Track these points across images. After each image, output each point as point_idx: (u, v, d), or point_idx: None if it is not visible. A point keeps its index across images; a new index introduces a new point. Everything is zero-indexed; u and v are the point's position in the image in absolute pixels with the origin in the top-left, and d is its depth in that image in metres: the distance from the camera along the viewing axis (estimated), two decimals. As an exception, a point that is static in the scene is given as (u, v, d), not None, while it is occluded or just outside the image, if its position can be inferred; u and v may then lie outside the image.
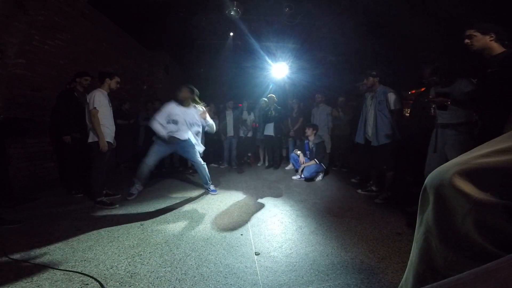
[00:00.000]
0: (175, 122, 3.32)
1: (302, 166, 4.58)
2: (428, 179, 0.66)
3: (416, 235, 0.68)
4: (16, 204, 2.97)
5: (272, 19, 5.27)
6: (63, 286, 1.55)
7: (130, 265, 1.79)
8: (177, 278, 1.65)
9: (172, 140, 3.30)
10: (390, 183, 3.30)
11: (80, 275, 1.65)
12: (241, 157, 6.57)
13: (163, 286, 1.56)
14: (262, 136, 5.85)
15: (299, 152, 4.76)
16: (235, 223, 2.59)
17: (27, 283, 1.56)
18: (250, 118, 6.28)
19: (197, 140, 3.53)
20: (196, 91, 3.54)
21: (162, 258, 1.89)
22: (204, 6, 4.93)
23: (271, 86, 8.50)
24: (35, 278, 1.61)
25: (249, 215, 2.80)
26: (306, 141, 4.77)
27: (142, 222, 2.58)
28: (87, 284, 1.57)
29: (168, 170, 5.44)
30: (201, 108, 3.55)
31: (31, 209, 2.89)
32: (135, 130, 5.37)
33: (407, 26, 4.71)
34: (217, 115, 6.02)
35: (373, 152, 3.35)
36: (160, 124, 3.31)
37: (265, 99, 5.78)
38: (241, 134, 6.03)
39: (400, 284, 0.76)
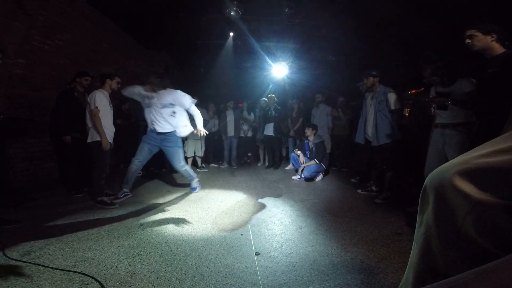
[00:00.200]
0: (149, 106, 3.28)
1: (302, 166, 4.58)
2: (428, 179, 0.66)
3: (416, 235, 0.68)
4: (16, 204, 2.97)
5: (272, 19, 5.26)
6: (63, 286, 1.55)
7: (130, 265, 1.79)
8: (177, 278, 1.65)
9: (153, 134, 3.25)
10: (390, 183, 3.30)
11: (80, 275, 1.65)
12: (241, 157, 6.57)
13: (163, 286, 1.56)
14: (262, 136, 5.85)
15: (299, 152, 4.76)
16: (235, 223, 2.59)
17: (27, 283, 1.56)
18: (250, 118, 6.29)
19: (172, 121, 3.30)
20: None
21: (162, 258, 1.89)
22: (204, 6, 4.92)
23: (271, 86, 8.51)
24: (35, 278, 1.61)
25: (249, 215, 2.80)
26: (306, 141, 4.77)
27: (142, 222, 2.58)
28: (87, 284, 1.57)
29: (168, 170, 5.44)
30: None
31: (31, 209, 2.89)
32: (135, 130, 5.36)
33: (407, 26, 4.71)
34: (217, 114, 6.03)
35: (373, 152, 3.35)
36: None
37: (265, 99, 5.78)
38: (241, 134, 6.04)
39: (400, 284, 0.76)
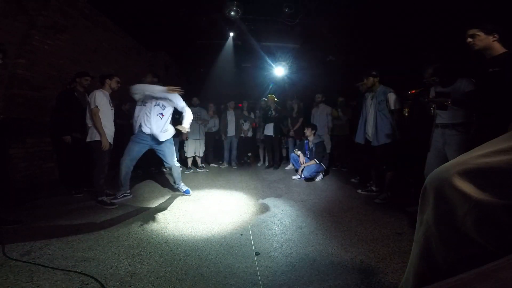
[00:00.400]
0: (144, 104, 3.28)
1: (302, 166, 4.58)
2: (428, 179, 0.66)
3: (416, 235, 0.68)
4: (16, 204, 2.97)
5: (272, 19, 5.26)
6: (63, 286, 1.55)
7: (130, 265, 1.79)
8: (177, 278, 1.65)
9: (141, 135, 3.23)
10: (390, 183, 3.30)
11: (80, 275, 1.65)
12: (241, 157, 6.57)
13: (163, 286, 1.56)
14: (262, 136, 5.85)
15: (299, 152, 4.76)
16: (235, 223, 2.59)
17: (27, 283, 1.55)
18: (250, 118, 6.29)
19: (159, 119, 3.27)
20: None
21: (162, 258, 1.89)
22: (204, 6, 4.92)
23: (271, 86, 8.51)
24: (35, 278, 1.61)
25: (249, 215, 2.80)
26: (305, 141, 4.77)
27: (142, 222, 2.58)
28: (87, 284, 1.57)
29: (168, 169, 5.44)
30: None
31: (31, 209, 2.88)
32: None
33: (407, 26, 4.71)
34: (217, 114, 6.03)
35: (373, 152, 3.35)
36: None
37: (265, 99, 5.78)
38: (241, 134, 6.04)
39: (400, 284, 0.76)
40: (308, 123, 5.14)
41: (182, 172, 5.25)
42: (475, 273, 0.39)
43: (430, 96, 2.64)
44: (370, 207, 3.04)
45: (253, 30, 5.78)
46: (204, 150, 5.61)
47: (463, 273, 0.41)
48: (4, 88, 3.58)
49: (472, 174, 0.55)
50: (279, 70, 7.67)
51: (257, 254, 1.96)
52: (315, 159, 4.46)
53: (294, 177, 4.64)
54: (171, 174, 3.61)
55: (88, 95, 3.26)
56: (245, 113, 6.23)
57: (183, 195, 3.58)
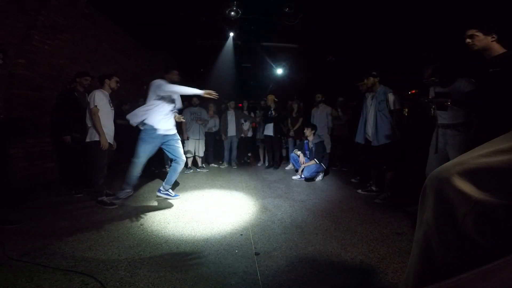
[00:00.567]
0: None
1: (302, 166, 4.58)
2: (428, 179, 0.66)
3: (416, 235, 0.68)
4: (16, 204, 2.97)
5: (272, 19, 5.26)
6: (63, 286, 1.55)
7: (130, 265, 1.79)
8: (177, 278, 1.65)
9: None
10: (390, 183, 3.30)
11: (80, 275, 1.65)
12: (241, 157, 6.57)
13: (163, 286, 1.56)
14: (262, 136, 5.85)
15: (299, 152, 4.76)
16: (235, 223, 2.59)
17: (27, 283, 1.55)
18: (250, 118, 6.30)
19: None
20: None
21: (162, 258, 1.89)
22: (204, 6, 4.92)
23: (271, 86, 8.52)
24: (35, 278, 1.61)
25: (249, 215, 2.80)
26: (305, 141, 4.77)
27: (142, 222, 2.58)
28: (87, 284, 1.57)
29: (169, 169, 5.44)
30: None
31: (31, 209, 2.88)
32: (135, 130, 5.35)
33: (407, 26, 4.71)
34: (217, 114, 6.03)
35: (373, 152, 3.35)
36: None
37: (265, 99, 5.79)
38: (242, 134, 6.04)
39: (401, 284, 0.76)
40: (308, 123, 5.14)
41: (182, 172, 5.26)
42: (475, 273, 0.39)
43: (430, 97, 2.64)
44: (370, 207, 3.04)
45: (253, 30, 5.78)
46: (204, 150, 5.61)
47: (463, 273, 0.41)
48: (4, 88, 3.58)
49: (472, 174, 0.55)
50: (279, 70, 7.68)
51: (257, 254, 1.96)
52: (315, 159, 4.46)
53: (294, 177, 4.64)
54: (168, 172, 3.41)
55: (88, 95, 3.26)
56: (245, 113, 6.23)
57: (183, 195, 3.57)
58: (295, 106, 5.71)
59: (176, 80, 3.25)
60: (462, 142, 2.38)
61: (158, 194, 3.35)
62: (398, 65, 5.41)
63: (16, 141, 3.64)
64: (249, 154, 6.79)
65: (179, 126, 4.00)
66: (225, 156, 6.00)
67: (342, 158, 5.63)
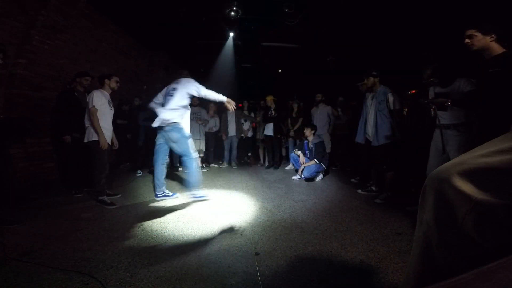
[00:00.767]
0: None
1: (302, 166, 4.58)
2: (428, 179, 0.66)
3: (416, 235, 0.68)
4: (16, 204, 2.97)
5: (272, 19, 5.26)
6: (63, 286, 1.55)
7: (130, 265, 1.79)
8: (177, 278, 1.65)
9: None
10: (390, 183, 3.30)
11: (80, 275, 1.65)
12: (241, 157, 6.57)
13: (163, 286, 1.56)
14: (262, 136, 5.85)
15: (299, 152, 4.76)
16: (235, 223, 2.59)
17: (27, 283, 1.55)
18: (250, 118, 6.30)
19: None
20: None
21: (162, 258, 1.89)
22: (204, 6, 4.92)
23: (271, 86, 8.52)
24: (35, 278, 1.61)
25: (249, 215, 2.80)
26: (305, 141, 4.77)
27: (142, 222, 2.58)
28: (87, 284, 1.57)
29: (168, 169, 5.43)
30: None
31: (31, 209, 2.88)
32: (135, 130, 5.36)
33: (407, 26, 4.71)
34: (218, 114, 6.03)
35: (373, 152, 3.35)
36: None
37: (267, 98, 5.79)
38: (242, 134, 6.04)
39: (401, 284, 0.76)
40: (308, 123, 5.14)
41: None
42: (475, 273, 0.39)
43: (430, 97, 2.64)
44: (370, 207, 3.04)
45: (253, 30, 5.78)
46: (204, 150, 5.61)
47: (463, 273, 0.41)
48: (4, 88, 3.58)
49: (472, 174, 0.55)
50: (278, 70, 7.68)
51: (257, 254, 1.96)
52: (315, 159, 4.46)
53: (294, 177, 4.64)
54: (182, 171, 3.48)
55: (88, 95, 3.26)
56: (246, 113, 6.23)
57: (183, 195, 3.57)
58: (295, 106, 5.71)
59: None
60: (462, 142, 2.38)
61: (190, 198, 3.28)
62: (398, 65, 5.41)
63: (16, 141, 3.64)
64: (249, 154, 6.79)
65: None
66: (225, 156, 6.00)
67: (342, 158, 5.63)
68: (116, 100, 4.71)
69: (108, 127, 3.19)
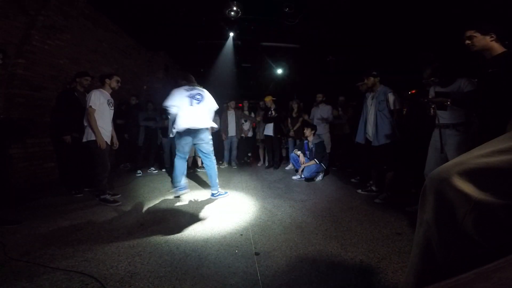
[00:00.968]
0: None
1: (302, 166, 4.58)
2: (428, 179, 0.66)
3: (416, 235, 0.68)
4: (16, 204, 2.97)
5: (272, 19, 5.26)
6: (63, 286, 1.55)
7: (130, 265, 1.79)
8: (177, 278, 1.65)
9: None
10: (390, 183, 3.30)
11: (80, 275, 1.65)
12: (241, 157, 6.57)
13: (163, 286, 1.56)
14: (262, 136, 5.85)
15: (299, 152, 4.76)
16: (235, 223, 2.59)
17: (27, 283, 1.55)
18: (251, 117, 6.30)
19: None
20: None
21: (162, 258, 1.89)
22: (204, 6, 4.92)
23: (271, 86, 8.52)
24: (35, 278, 1.61)
25: (249, 215, 2.80)
26: (305, 141, 4.77)
27: (142, 222, 2.58)
28: (87, 284, 1.57)
29: (168, 169, 5.44)
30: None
31: (31, 209, 2.88)
32: (133, 130, 5.36)
33: (407, 26, 4.71)
34: (218, 114, 6.02)
35: (373, 152, 3.35)
36: None
37: (265, 99, 5.79)
38: (242, 134, 6.04)
39: (401, 284, 0.76)
40: (308, 123, 5.14)
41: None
42: (475, 273, 0.39)
43: (430, 97, 2.64)
44: (370, 207, 3.04)
45: (253, 30, 5.78)
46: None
47: (463, 273, 0.41)
48: (4, 88, 3.58)
49: (472, 174, 0.55)
50: (279, 70, 7.68)
51: (257, 254, 1.96)
52: (315, 159, 4.46)
53: (294, 177, 4.64)
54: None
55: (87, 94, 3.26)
56: (246, 113, 6.23)
57: (183, 195, 3.57)
58: (295, 106, 5.71)
59: None
60: (462, 142, 2.38)
61: (214, 196, 3.49)
62: (398, 65, 5.41)
63: (16, 141, 3.64)
64: (249, 154, 6.79)
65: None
66: (225, 156, 6.00)
67: (342, 158, 5.62)
68: (117, 100, 4.72)
69: (107, 127, 3.18)
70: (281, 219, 2.69)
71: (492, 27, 1.89)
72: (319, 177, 4.53)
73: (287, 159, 6.15)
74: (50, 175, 4.18)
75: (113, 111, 3.32)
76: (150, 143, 5.30)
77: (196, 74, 3.64)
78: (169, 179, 4.64)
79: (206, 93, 3.43)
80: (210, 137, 3.49)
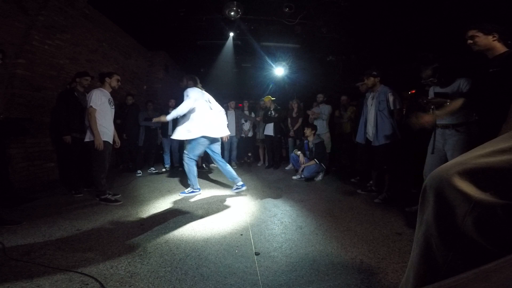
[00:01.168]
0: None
1: (302, 166, 4.58)
2: (428, 179, 0.66)
3: (416, 235, 0.68)
4: (16, 204, 2.97)
5: (272, 19, 5.26)
6: (63, 286, 1.55)
7: (130, 265, 1.79)
8: (177, 278, 1.65)
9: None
10: (390, 183, 3.29)
11: (80, 275, 1.65)
12: (241, 157, 6.57)
13: (163, 286, 1.56)
14: (262, 136, 5.84)
15: (299, 152, 4.76)
16: (235, 223, 2.59)
17: (27, 283, 1.55)
18: (251, 117, 6.30)
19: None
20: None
21: (162, 258, 1.89)
22: (204, 6, 4.92)
23: (271, 86, 8.51)
24: (35, 278, 1.61)
25: (249, 215, 2.80)
26: (305, 141, 4.77)
27: (142, 222, 2.58)
28: (87, 284, 1.57)
29: (168, 169, 5.45)
30: None
31: (31, 209, 2.89)
32: (135, 130, 5.35)
33: (407, 26, 4.71)
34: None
35: (374, 152, 3.35)
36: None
37: (264, 99, 5.80)
38: (242, 134, 6.04)
39: (401, 284, 0.76)
40: (308, 123, 5.14)
41: (181, 172, 5.26)
42: (475, 273, 0.39)
43: (429, 97, 2.63)
44: (370, 207, 3.04)
45: (253, 30, 5.78)
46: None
47: (463, 273, 0.41)
48: (4, 88, 3.58)
49: (472, 174, 0.55)
50: (279, 70, 7.67)
51: (257, 254, 1.96)
52: (315, 159, 4.46)
53: (294, 177, 4.64)
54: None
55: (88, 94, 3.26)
56: (246, 112, 6.23)
57: (183, 195, 3.58)
58: (295, 106, 5.71)
59: None
60: (461, 142, 2.38)
61: (234, 191, 3.66)
62: (398, 65, 5.41)
63: (16, 141, 3.64)
64: (249, 154, 6.79)
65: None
66: (225, 156, 5.99)
67: (342, 158, 5.62)
68: (116, 100, 4.71)
69: (108, 127, 3.19)
70: (281, 219, 2.69)
71: (494, 26, 1.89)
72: (319, 177, 4.53)
73: (287, 159, 6.15)
74: (50, 175, 4.17)
75: (114, 110, 3.32)
76: (150, 143, 5.30)
77: (196, 74, 3.63)
78: (169, 179, 4.64)
79: (213, 100, 3.57)
80: None
